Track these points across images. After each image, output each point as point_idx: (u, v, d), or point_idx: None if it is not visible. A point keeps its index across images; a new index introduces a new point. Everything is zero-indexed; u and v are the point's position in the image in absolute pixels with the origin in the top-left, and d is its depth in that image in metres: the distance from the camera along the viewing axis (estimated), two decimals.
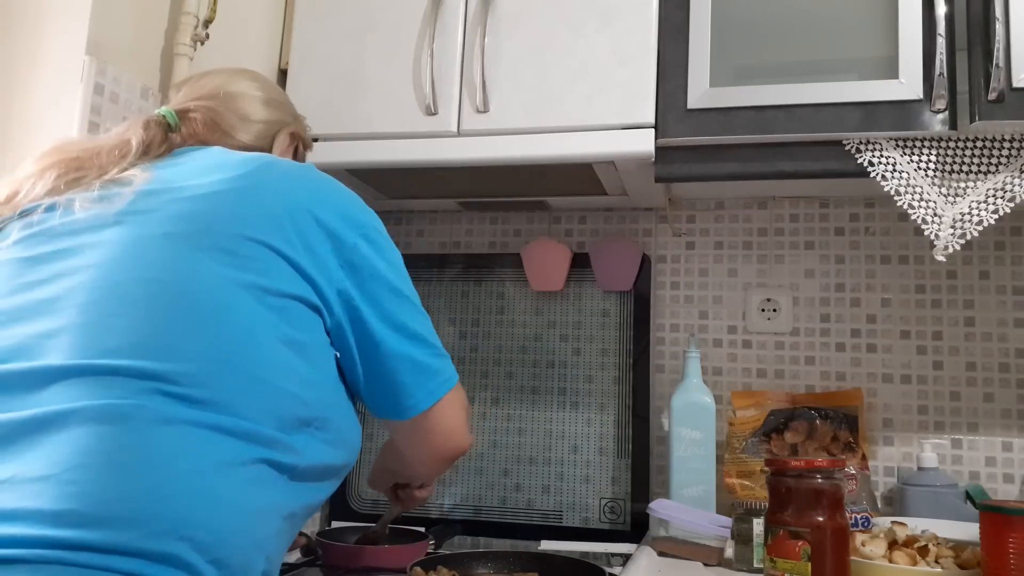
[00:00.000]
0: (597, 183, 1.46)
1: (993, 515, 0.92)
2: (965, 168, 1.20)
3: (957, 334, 1.49)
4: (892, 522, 1.11)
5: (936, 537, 1.07)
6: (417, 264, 1.72)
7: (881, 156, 1.22)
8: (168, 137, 0.92)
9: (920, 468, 1.36)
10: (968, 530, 1.08)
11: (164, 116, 0.93)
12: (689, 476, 1.35)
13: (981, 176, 1.20)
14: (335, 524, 1.61)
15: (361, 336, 0.81)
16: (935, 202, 1.21)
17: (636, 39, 1.30)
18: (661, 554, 1.23)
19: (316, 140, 1.36)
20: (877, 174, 1.22)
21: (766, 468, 1.04)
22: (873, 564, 1.01)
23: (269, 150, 1.00)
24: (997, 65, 1.13)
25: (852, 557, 0.99)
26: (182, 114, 0.95)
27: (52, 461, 0.61)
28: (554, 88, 1.32)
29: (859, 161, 1.23)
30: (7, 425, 0.63)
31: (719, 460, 1.42)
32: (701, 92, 1.27)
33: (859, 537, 1.05)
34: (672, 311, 1.62)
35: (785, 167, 1.26)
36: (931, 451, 1.38)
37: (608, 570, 1.11)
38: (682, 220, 1.64)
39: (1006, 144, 1.19)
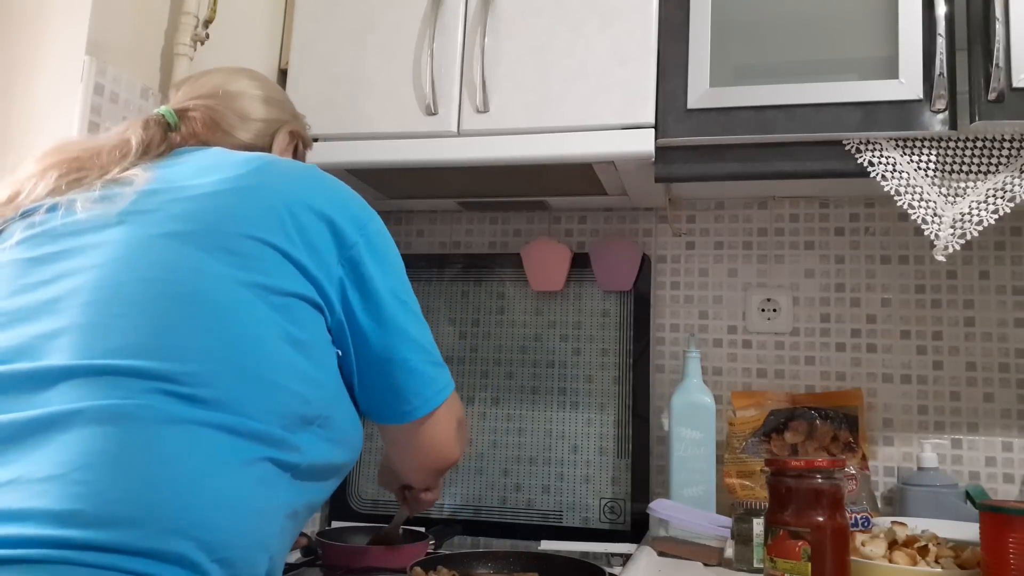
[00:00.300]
0: (597, 183, 1.46)
1: (993, 515, 0.92)
2: (965, 168, 1.20)
3: (957, 334, 1.49)
4: (892, 522, 1.11)
5: (936, 537, 1.07)
6: (417, 264, 1.72)
7: (881, 156, 1.22)
8: (168, 136, 0.92)
9: (920, 468, 1.36)
10: (968, 530, 1.08)
11: (163, 115, 0.93)
12: (689, 476, 1.35)
13: (981, 176, 1.20)
14: (335, 524, 1.61)
15: (357, 336, 0.81)
16: (935, 202, 1.21)
17: (636, 39, 1.30)
18: (661, 554, 1.23)
19: (316, 140, 1.36)
20: (877, 174, 1.22)
21: (766, 468, 1.03)
22: (873, 564, 1.01)
23: (269, 149, 1.00)
24: (997, 65, 1.13)
25: (852, 557, 0.99)
26: (181, 113, 0.95)
27: (58, 461, 0.61)
28: (554, 88, 1.32)
29: (859, 161, 1.23)
30: (12, 426, 0.63)
31: (719, 460, 1.42)
32: (701, 92, 1.27)
33: (859, 537, 1.05)
34: (672, 311, 1.62)
35: (785, 167, 1.26)
36: (931, 451, 1.38)
37: (608, 570, 1.11)
38: (682, 220, 1.64)
39: (1006, 144, 1.19)
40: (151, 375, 0.65)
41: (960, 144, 1.21)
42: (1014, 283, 1.48)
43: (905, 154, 1.22)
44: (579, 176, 1.42)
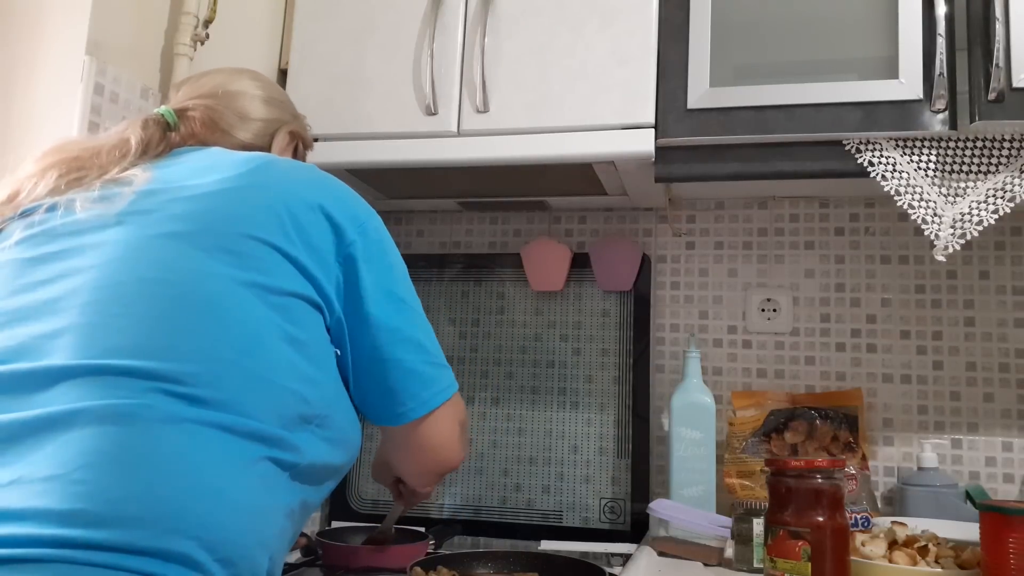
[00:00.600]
0: (597, 183, 1.46)
1: (993, 515, 0.92)
2: (965, 168, 1.20)
3: (957, 334, 1.49)
4: (892, 522, 1.11)
5: (936, 537, 1.07)
6: (417, 264, 1.72)
7: (881, 156, 1.22)
8: (167, 136, 0.92)
9: (920, 468, 1.36)
10: (968, 530, 1.08)
11: (163, 115, 0.93)
12: (689, 476, 1.35)
13: (981, 176, 1.20)
14: (335, 524, 1.61)
15: (353, 335, 0.80)
16: (935, 202, 1.21)
17: (636, 39, 1.30)
18: (661, 554, 1.23)
19: (316, 140, 1.36)
20: (877, 174, 1.22)
21: (766, 468, 1.03)
22: (873, 564, 1.01)
23: (268, 149, 0.99)
24: (997, 65, 1.13)
25: (852, 557, 0.99)
26: (181, 113, 0.95)
27: (59, 461, 0.61)
28: (554, 88, 1.32)
29: (859, 161, 1.23)
30: (12, 426, 0.63)
31: (719, 460, 1.42)
32: (701, 92, 1.27)
33: (859, 537, 1.05)
34: (672, 311, 1.62)
35: (785, 167, 1.26)
36: (931, 451, 1.38)
37: (608, 570, 1.11)
38: (682, 220, 1.64)
39: (1006, 144, 1.19)
40: (151, 375, 0.66)
41: (960, 144, 1.21)
42: (1014, 283, 1.48)
43: (905, 154, 1.22)
44: (579, 176, 1.42)
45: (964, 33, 1.19)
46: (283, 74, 1.50)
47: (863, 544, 1.04)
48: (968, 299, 1.49)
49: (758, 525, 1.12)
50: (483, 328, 1.68)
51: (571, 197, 1.59)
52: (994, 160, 1.20)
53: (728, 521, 1.21)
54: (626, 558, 1.26)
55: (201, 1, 1.31)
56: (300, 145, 1.06)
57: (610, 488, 1.56)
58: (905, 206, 1.22)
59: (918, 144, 1.22)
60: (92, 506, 0.59)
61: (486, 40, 1.34)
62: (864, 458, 1.40)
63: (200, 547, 0.62)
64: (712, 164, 1.29)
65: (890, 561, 1.01)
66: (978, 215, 1.19)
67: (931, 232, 1.21)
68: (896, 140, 1.22)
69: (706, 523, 1.22)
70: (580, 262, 1.64)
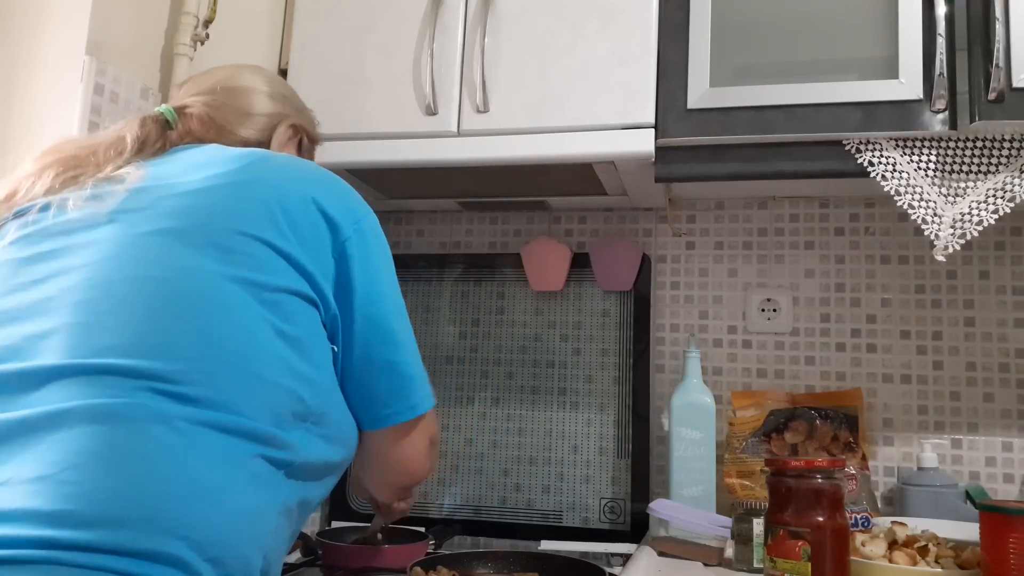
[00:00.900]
0: (597, 183, 1.46)
1: (993, 515, 0.92)
2: (965, 168, 1.20)
3: (957, 334, 1.49)
4: (892, 522, 1.11)
5: (936, 537, 1.07)
6: (417, 264, 1.72)
7: (881, 156, 1.22)
8: (165, 134, 0.92)
9: (920, 468, 1.36)
10: (968, 530, 1.08)
11: (162, 113, 0.93)
12: (689, 476, 1.35)
13: (981, 176, 1.20)
14: (335, 524, 1.61)
15: (345, 333, 0.80)
16: (935, 202, 1.21)
17: (636, 39, 1.30)
18: (661, 554, 1.23)
19: None
20: (877, 174, 1.22)
21: (766, 468, 1.03)
22: (873, 564, 1.01)
23: (269, 144, 0.99)
24: (997, 65, 1.13)
25: (852, 557, 0.99)
26: (180, 111, 0.95)
27: (48, 461, 0.61)
28: (554, 88, 1.32)
29: (859, 161, 1.23)
30: (2, 426, 0.63)
31: (719, 460, 1.42)
32: (701, 92, 1.27)
33: (859, 537, 1.05)
34: (672, 311, 1.62)
35: (785, 167, 1.26)
36: (931, 451, 1.38)
37: (608, 570, 1.11)
38: (682, 220, 1.64)
39: (1006, 144, 1.19)
40: (141, 374, 0.65)
41: (960, 144, 1.21)
42: (1014, 283, 1.48)
43: (905, 154, 1.22)
44: (579, 176, 1.42)
45: (964, 33, 1.19)
46: (283, 74, 1.50)
47: (863, 544, 1.04)
48: (968, 299, 1.49)
49: (758, 525, 1.12)
50: (483, 328, 1.68)
51: (571, 197, 1.59)
52: (994, 160, 1.20)
53: (728, 521, 1.21)
54: (626, 558, 1.26)
55: (201, 1, 1.31)
56: (304, 139, 1.04)
57: (610, 488, 1.56)
58: (905, 206, 1.22)
59: (918, 144, 1.22)
60: (80, 507, 0.59)
61: (486, 40, 1.34)
62: (864, 458, 1.40)
63: (188, 547, 0.61)
64: (712, 164, 1.29)
65: (890, 561, 1.01)
66: (978, 215, 1.19)
67: (931, 232, 1.20)
68: (896, 140, 1.22)
69: (706, 523, 1.22)
70: (580, 262, 1.64)
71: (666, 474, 1.39)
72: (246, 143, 0.95)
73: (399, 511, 1.15)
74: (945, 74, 1.15)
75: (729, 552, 1.19)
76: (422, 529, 1.42)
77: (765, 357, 1.56)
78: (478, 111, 1.33)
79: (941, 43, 1.16)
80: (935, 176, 1.21)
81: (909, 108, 1.20)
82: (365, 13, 1.43)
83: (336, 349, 0.80)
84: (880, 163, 1.22)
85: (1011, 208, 1.18)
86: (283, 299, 0.74)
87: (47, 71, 1.15)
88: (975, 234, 1.19)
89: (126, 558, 0.59)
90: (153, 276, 0.70)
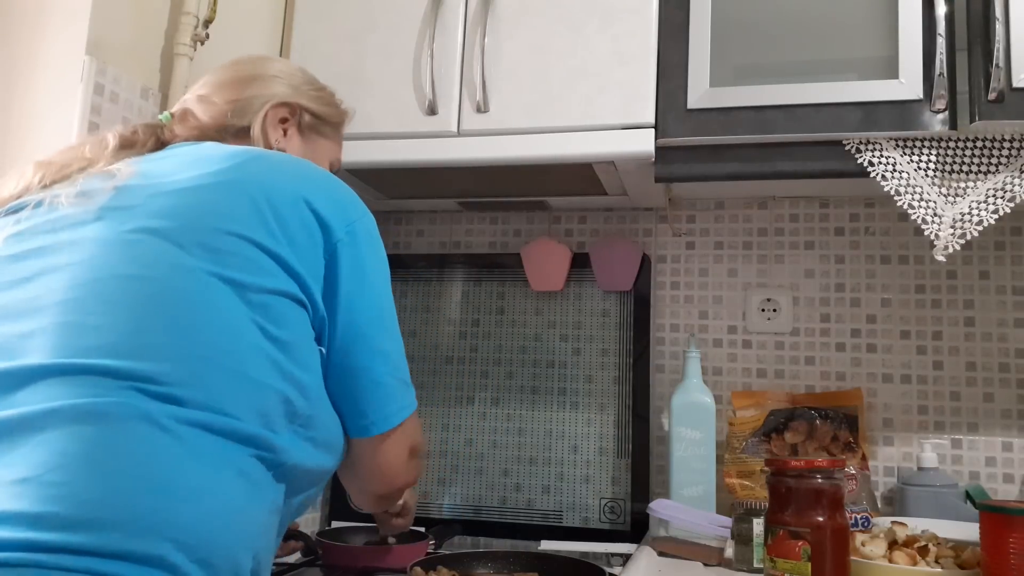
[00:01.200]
0: (597, 183, 1.46)
1: (993, 515, 0.92)
2: (965, 168, 1.20)
3: (957, 334, 1.49)
4: (892, 522, 1.11)
5: (936, 537, 1.07)
6: (417, 264, 1.72)
7: (881, 156, 1.22)
8: (157, 132, 0.91)
9: (920, 468, 1.36)
10: (968, 530, 1.08)
11: (160, 119, 0.94)
12: (689, 476, 1.35)
13: (981, 176, 1.20)
14: (335, 524, 1.61)
15: (336, 335, 0.78)
16: (935, 202, 1.21)
17: (636, 39, 1.30)
18: (661, 554, 1.23)
19: None
20: (877, 174, 1.22)
21: (766, 468, 1.04)
22: (873, 564, 1.01)
23: (250, 130, 0.94)
24: (997, 65, 1.13)
25: (852, 557, 0.99)
26: (177, 111, 0.95)
27: (32, 463, 0.60)
28: (554, 88, 1.32)
29: (859, 161, 1.23)
30: None
31: (719, 460, 1.42)
32: (701, 92, 1.27)
33: (859, 537, 1.05)
34: (672, 311, 1.62)
35: (785, 167, 1.26)
36: (931, 451, 1.37)
37: (608, 570, 1.11)
38: (682, 220, 1.64)
39: (1006, 144, 1.19)
40: (127, 374, 0.64)
41: (960, 144, 1.21)
42: (1014, 283, 1.48)
43: (905, 154, 1.22)
44: (579, 176, 1.42)
45: (964, 33, 1.19)
46: None
47: (863, 544, 1.04)
48: (968, 299, 1.49)
49: (758, 525, 1.12)
50: (483, 328, 1.68)
51: (571, 197, 1.59)
52: (994, 160, 1.20)
53: (728, 521, 1.21)
54: (626, 558, 1.26)
55: (201, 1, 1.31)
56: (306, 118, 0.99)
57: (610, 488, 1.56)
58: (905, 206, 1.22)
59: (918, 144, 1.22)
60: (64, 509, 0.58)
61: (486, 40, 1.34)
62: (864, 458, 1.40)
63: (176, 549, 0.60)
64: (712, 164, 1.29)
65: (890, 561, 1.01)
66: (978, 215, 1.19)
67: (931, 232, 1.20)
68: (896, 140, 1.22)
69: (706, 523, 1.22)
70: (580, 262, 1.64)
71: (666, 474, 1.39)
72: (238, 134, 0.93)
73: (396, 527, 1.14)
74: (945, 74, 1.15)
75: (729, 552, 1.19)
76: (422, 529, 1.42)
77: (765, 357, 1.56)
78: (478, 111, 1.33)
79: (941, 43, 1.16)
80: (935, 176, 1.21)
81: (909, 108, 1.20)
82: (365, 13, 1.43)
83: (323, 351, 0.78)
84: (880, 163, 1.22)
85: (1011, 208, 1.18)
86: (272, 301, 0.73)
87: (47, 71, 1.15)
88: (975, 234, 1.19)
89: (112, 560, 0.58)
90: (139, 275, 0.69)
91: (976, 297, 1.49)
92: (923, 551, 1.02)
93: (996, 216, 1.18)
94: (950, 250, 1.19)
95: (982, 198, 1.19)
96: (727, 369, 1.58)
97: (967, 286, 1.50)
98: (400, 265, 1.72)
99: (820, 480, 0.97)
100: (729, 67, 1.28)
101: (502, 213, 1.75)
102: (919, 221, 1.21)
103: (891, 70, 1.21)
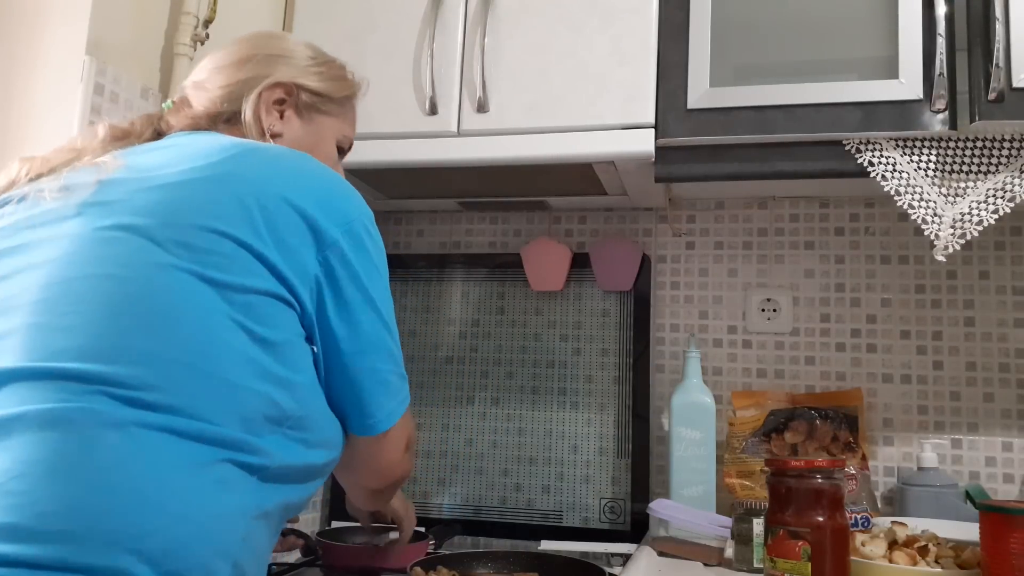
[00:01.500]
0: (597, 183, 1.46)
1: (993, 515, 0.92)
2: (965, 168, 1.20)
3: (957, 334, 1.49)
4: (892, 522, 1.11)
5: (936, 537, 1.07)
6: (417, 264, 1.72)
7: (881, 156, 1.22)
8: (156, 123, 0.89)
9: (920, 468, 1.36)
10: (968, 530, 1.08)
11: (163, 107, 0.91)
12: (689, 476, 1.35)
13: (981, 176, 1.20)
14: (335, 524, 1.61)
15: (328, 339, 0.76)
16: (935, 202, 1.21)
17: (636, 39, 1.30)
18: (661, 554, 1.23)
19: None
20: (877, 174, 1.22)
21: (766, 468, 1.04)
22: (873, 564, 1.01)
23: (251, 116, 0.89)
24: (997, 65, 1.13)
25: (852, 557, 0.99)
26: (175, 101, 0.92)
27: None
28: (554, 88, 1.32)
29: (859, 161, 1.23)
30: None
31: (719, 460, 1.42)
32: (701, 92, 1.27)
33: (859, 537, 1.05)
34: (672, 311, 1.62)
35: (785, 167, 1.26)
36: (931, 451, 1.37)
37: (608, 570, 1.11)
38: (682, 220, 1.64)
39: (1006, 144, 1.19)
40: (96, 378, 0.62)
41: (960, 144, 1.21)
42: (1014, 283, 1.48)
43: (905, 154, 1.22)
44: (579, 176, 1.42)
45: (964, 33, 1.19)
46: None
47: (863, 544, 1.04)
48: (968, 299, 1.49)
49: (758, 525, 1.12)
50: (483, 328, 1.68)
51: (571, 197, 1.59)
52: (994, 160, 1.20)
53: (728, 521, 1.21)
54: (626, 558, 1.26)
55: (201, 1, 1.31)
56: (303, 96, 0.93)
57: (610, 488, 1.56)
58: (905, 206, 1.22)
59: (918, 144, 1.22)
60: (24, 520, 0.56)
61: (486, 40, 1.34)
62: (864, 458, 1.40)
63: (140, 560, 0.58)
64: (712, 164, 1.29)
65: (890, 561, 1.01)
66: (978, 215, 1.19)
67: (931, 232, 1.20)
68: (896, 140, 1.22)
69: (706, 523, 1.22)
70: (580, 262, 1.64)
71: (666, 474, 1.39)
72: (230, 120, 0.89)
73: (395, 541, 1.15)
74: (945, 74, 1.15)
75: (729, 552, 1.19)
76: (422, 529, 1.42)
77: (765, 357, 1.56)
78: (478, 111, 1.33)
79: (941, 43, 1.16)
80: (935, 176, 1.21)
81: (909, 108, 1.20)
82: (365, 13, 1.43)
83: (316, 351, 0.76)
84: (880, 163, 1.22)
85: (1011, 208, 1.18)
86: (255, 300, 0.70)
87: (47, 71, 1.15)
88: (975, 234, 1.19)
89: (72, 574, 0.56)
90: (114, 275, 0.67)
91: (976, 297, 1.49)
92: (923, 551, 1.02)
93: (996, 216, 1.18)
94: (950, 250, 1.19)
95: (982, 198, 1.19)
96: (727, 369, 1.58)
97: (967, 286, 1.50)
98: (400, 265, 1.72)
99: (820, 480, 0.97)
100: (729, 67, 1.28)
101: (502, 213, 1.75)
102: (919, 221, 1.21)
103: (891, 70, 1.21)
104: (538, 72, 1.33)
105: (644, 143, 1.27)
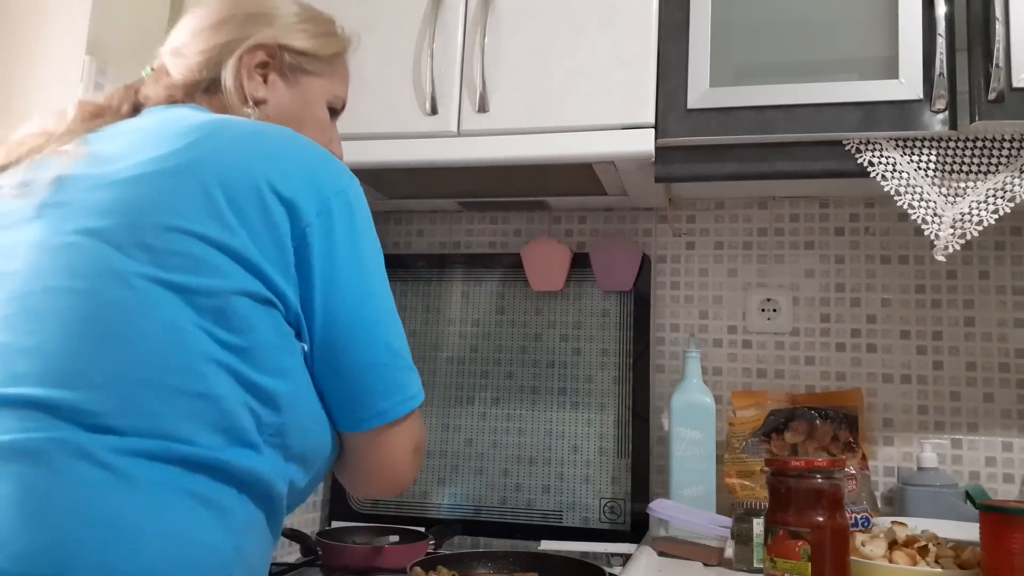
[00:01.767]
0: (597, 183, 1.46)
1: (993, 515, 0.92)
2: (965, 168, 1.20)
3: (957, 334, 1.49)
4: (892, 522, 1.11)
5: (936, 537, 1.07)
6: (417, 264, 1.72)
7: (881, 156, 1.22)
8: (134, 96, 0.83)
9: (920, 468, 1.36)
10: (968, 530, 1.08)
11: (143, 75, 0.85)
12: (689, 476, 1.35)
13: (981, 176, 1.20)
14: (335, 524, 1.61)
15: (315, 329, 0.70)
16: (935, 202, 1.21)
17: (636, 39, 1.30)
18: (661, 554, 1.23)
19: None
20: (877, 174, 1.22)
21: (766, 468, 1.04)
22: (873, 564, 1.01)
23: (221, 83, 0.82)
24: (997, 65, 1.12)
25: (852, 557, 0.99)
26: (155, 68, 0.86)
27: None
28: (554, 88, 1.32)
29: (859, 161, 1.23)
30: None
31: (719, 460, 1.42)
32: (701, 92, 1.27)
33: (859, 537, 1.05)
34: (672, 311, 1.62)
35: (785, 167, 1.26)
36: (931, 451, 1.37)
37: (608, 570, 1.11)
38: (682, 220, 1.64)
39: (1006, 144, 1.19)
40: (60, 405, 0.59)
41: (960, 144, 1.21)
42: (1014, 283, 1.48)
43: (905, 154, 1.22)
44: (579, 176, 1.42)
45: (964, 33, 1.19)
46: None
47: (863, 544, 1.04)
48: (968, 299, 1.49)
49: (758, 525, 1.12)
50: (483, 328, 1.68)
51: (571, 197, 1.59)
52: (994, 160, 1.20)
53: (728, 521, 1.21)
54: (626, 558, 1.26)
55: (200, 1, 1.31)
56: (287, 58, 0.85)
57: (610, 488, 1.56)
58: (905, 206, 1.22)
59: (918, 144, 1.22)
60: None
61: (486, 40, 1.34)
62: (864, 458, 1.40)
63: None
64: (712, 164, 1.29)
65: (890, 561, 1.01)
66: (978, 215, 1.19)
67: (931, 232, 1.20)
68: (896, 140, 1.22)
69: (706, 523, 1.22)
70: (580, 262, 1.64)
71: (666, 474, 1.39)
72: (209, 89, 0.83)
73: None
74: (945, 74, 1.15)
75: (729, 552, 1.19)
76: (422, 529, 1.42)
77: (765, 357, 1.56)
78: (478, 111, 1.33)
79: (941, 43, 1.16)
80: (935, 176, 1.21)
81: (909, 108, 1.20)
82: (365, 13, 1.43)
83: (306, 347, 0.71)
84: (880, 163, 1.22)
85: (1011, 208, 1.18)
86: (227, 304, 0.64)
87: (47, 71, 1.16)
88: (975, 234, 1.19)
89: None
90: (71, 288, 0.62)
91: (976, 297, 1.49)
92: (923, 551, 1.02)
93: (996, 216, 1.18)
94: (950, 250, 1.19)
95: (982, 198, 1.19)
96: (727, 369, 1.58)
97: (967, 286, 1.50)
98: (400, 265, 1.72)
99: (820, 480, 0.97)
100: (729, 67, 1.28)
101: (502, 213, 1.75)
102: (919, 221, 1.21)
103: (891, 70, 1.21)
104: (538, 72, 1.33)
105: (644, 143, 1.27)
